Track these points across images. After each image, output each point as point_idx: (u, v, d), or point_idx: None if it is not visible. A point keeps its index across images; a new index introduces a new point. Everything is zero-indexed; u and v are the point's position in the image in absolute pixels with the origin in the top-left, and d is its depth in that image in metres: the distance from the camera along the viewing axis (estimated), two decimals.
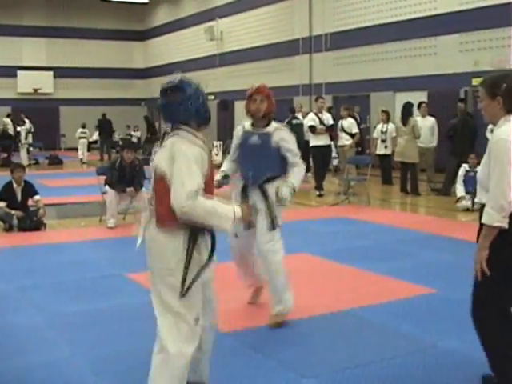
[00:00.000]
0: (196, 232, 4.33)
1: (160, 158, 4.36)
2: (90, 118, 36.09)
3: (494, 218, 4.42)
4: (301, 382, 5.35)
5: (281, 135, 6.63)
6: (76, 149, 35.26)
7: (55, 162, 30.10)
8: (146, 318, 6.93)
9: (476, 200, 5.06)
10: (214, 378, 5.24)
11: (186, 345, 4.35)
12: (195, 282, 4.33)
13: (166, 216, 4.28)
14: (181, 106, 4.39)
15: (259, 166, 6.68)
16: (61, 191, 18.41)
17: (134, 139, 34.07)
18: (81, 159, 30.81)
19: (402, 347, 6.10)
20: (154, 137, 35.26)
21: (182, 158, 4.23)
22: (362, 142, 19.81)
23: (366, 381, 5.31)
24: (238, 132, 6.96)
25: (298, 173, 6.64)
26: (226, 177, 6.90)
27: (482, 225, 4.56)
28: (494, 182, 4.45)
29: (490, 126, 16.90)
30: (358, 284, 8.48)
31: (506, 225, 4.42)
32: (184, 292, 4.29)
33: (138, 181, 12.92)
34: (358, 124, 20.20)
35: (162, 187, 4.30)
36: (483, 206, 4.56)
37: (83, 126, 32.87)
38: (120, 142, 31.79)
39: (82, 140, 31.87)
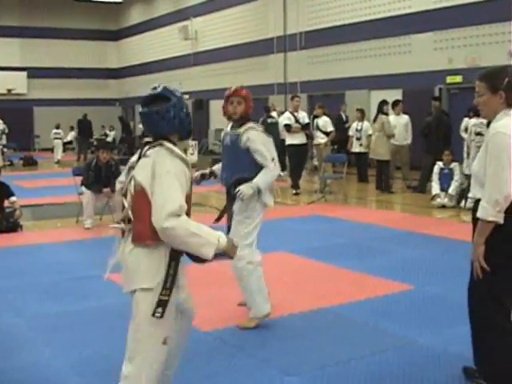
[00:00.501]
0: (177, 251, 4.03)
1: (141, 170, 4.07)
2: (64, 119, 36.05)
3: (488, 212, 4.38)
4: (283, 379, 5.36)
5: (248, 135, 6.51)
6: (51, 149, 35.14)
7: (30, 162, 29.87)
8: (126, 319, 6.93)
9: (469, 195, 5.05)
10: (196, 377, 5.29)
11: (157, 368, 4.13)
12: (169, 305, 4.05)
13: (145, 232, 3.98)
14: (164, 116, 4.13)
15: (229, 168, 6.69)
16: (36, 192, 18.32)
17: (109, 139, 33.93)
18: (58, 160, 30.70)
19: (381, 343, 6.13)
20: (129, 137, 35.23)
21: (165, 174, 3.95)
22: (346, 139, 19.84)
23: (347, 377, 5.32)
24: (221, 135, 7.00)
25: (263, 174, 6.47)
26: (203, 176, 6.87)
27: (477, 219, 4.52)
28: (490, 175, 4.41)
29: (463, 125, 17.17)
30: (337, 282, 8.49)
31: (501, 220, 4.39)
32: (159, 313, 4.01)
33: (115, 181, 12.75)
34: (344, 123, 20.26)
35: (142, 201, 4.00)
36: (478, 200, 4.54)
37: (57, 127, 32.74)
38: (95, 143, 31.72)
39: (56, 141, 31.75)
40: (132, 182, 4.11)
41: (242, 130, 6.58)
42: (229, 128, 6.84)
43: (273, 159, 6.54)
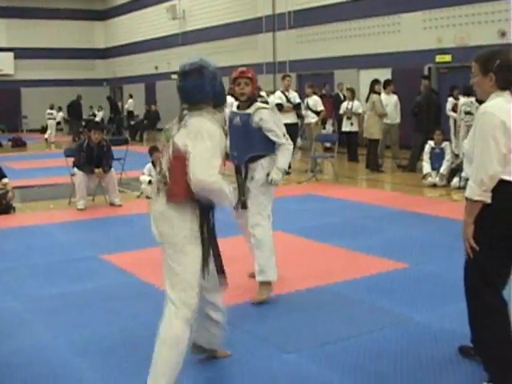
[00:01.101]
0: (204, 208, 4.56)
1: (182, 138, 4.51)
2: (52, 99, 35.88)
3: (474, 191, 4.41)
4: (282, 357, 5.41)
5: (260, 115, 6.70)
6: (39, 130, 35.09)
7: (18, 144, 29.82)
8: (124, 299, 7.04)
9: (463, 174, 5.07)
10: (194, 355, 5.30)
11: (189, 298, 4.55)
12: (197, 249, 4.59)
13: (180, 194, 4.49)
14: (200, 87, 4.57)
15: (241, 147, 6.87)
16: (27, 173, 18.28)
17: (98, 119, 33.85)
18: (46, 139, 30.62)
19: (379, 321, 6.20)
20: (117, 117, 35.13)
21: (207, 137, 4.41)
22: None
23: (345, 355, 5.38)
24: (226, 114, 7.07)
25: (283, 154, 6.77)
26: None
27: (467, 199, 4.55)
28: (477, 155, 4.44)
29: (449, 104, 17.26)
30: (332, 260, 8.54)
31: (487, 199, 4.40)
32: (207, 262, 4.62)
33: (107, 161, 12.86)
34: (342, 102, 20.19)
35: (179, 165, 4.46)
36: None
37: (51, 107, 32.79)
38: (83, 123, 31.72)
39: (49, 121, 31.79)
40: (171, 148, 4.58)
41: (251, 109, 6.77)
42: (235, 108, 7.00)
43: (284, 135, 6.79)
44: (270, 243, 6.81)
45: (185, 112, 4.67)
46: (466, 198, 4.51)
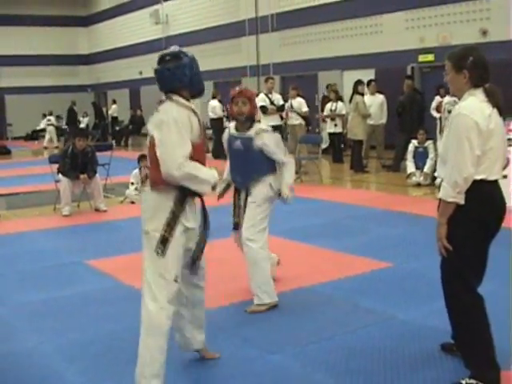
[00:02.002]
0: (184, 195, 4.67)
1: (153, 125, 4.67)
2: (37, 107, 35.86)
3: (448, 193, 4.43)
4: (265, 358, 5.44)
5: (262, 139, 6.65)
6: (23, 137, 35.09)
7: (3, 151, 29.75)
8: (110, 303, 7.08)
9: (436, 174, 5.11)
10: (178, 356, 5.36)
11: (164, 302, 4.64)
12: (171, 243, 4.63)
13: (158, 179, 4.61)
14: (178, 72, 4.69)
15: (245, 171, 6.82)
16: (11, 181, 18.30)
17: (83, 125, 33.85)
18: (45, 147, 30.66)
19: (362, 320, 6.25)
20: (102, 123, 35.08)
21: (171, 124, 4.54)
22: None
23: (329, 354, 5.43)
24: (225, 136, 7.09)
25: (287, 170, 6.77)
26: (228, 186, 7.18)
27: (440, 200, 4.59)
28: (451, 157, 4.46)
29: (434, 103, 17.32)
30: (316, 261, 8.58)
31: (461, 201, 4.43)
32: (160, 250, 4.61)
33: (91, 167, 12.89)
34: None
35: (153, 153, 4.63)
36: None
37: (50, 113, 33.26)
38: (68, 130, 31.78)
39: (49, 128, 32.09)
40: (148, 137, 4.77)
41: (253, 132, 6.69)
42: (233, 129, 6.92)
43: (285, 153, 6.84)
44: (263, 263, 6.71)
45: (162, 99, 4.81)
46: (440, 199, 4.55)
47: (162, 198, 4.66)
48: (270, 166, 6.76)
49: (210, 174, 4.72)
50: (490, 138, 4.46)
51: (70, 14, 44.06)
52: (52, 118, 33.47)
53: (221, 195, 7.08)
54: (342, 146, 20.09)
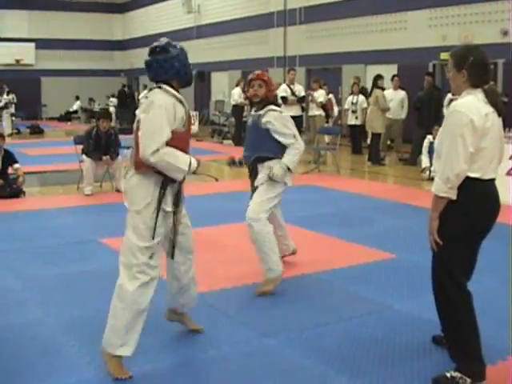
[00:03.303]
0: (166, 179, 4.85)
1: (141, 110, 4.83)
2: (71, 89, 36.43)
3: (440, 188, 4.47)
4: (261, 341, 5.59)
5: (269, 117, 6.85)
6: (57, 118, 35.63)
7: (36, 131, 30.15)
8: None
9: (432, 169, 5.22)
10: (176, 336, 5.61)
11: (136, 280, 4.86)
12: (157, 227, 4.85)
13: (140, 162, 4.77)
14: (165, 64, 4.87)
15: (251, 146, 7.10)
16: (41, 160, 18.45)
17: (112, 107, 34.27)
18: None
19: (359, 309, 6.38)
20: (132, 106, 35.54)
21: (156, 109, 4.72)
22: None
23: (322, 340, 5.57)
24: (247, 115, 7.42)
25: (289, 153, 6.84)
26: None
27: None
28: (444, 153, 4.47)
29: (447, 100, 17.50)
30: (322, 249, 8.70)
31: (453, 196, 4.47)
32: (153, 236, 4.82)
33: (114, 149, 13.14)
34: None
35: (138, 136, 4.81)
36: None
37: (113, 95, 35.13)
38: (118, 113, 32.72)
39: (111, 108, 33.04)
40: (135, 121, 4.90)
41: (263, 111, 6.91)
42: (253, 111, 7.18)
43: (294, 136, 6.89)
44: (265, 241, 6.81)
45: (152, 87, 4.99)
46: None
47: (145, 182, 4.81)
48: (276, 147, 6.87)
49: (185, 162, 4.81)
50: (485, 137, 4.47)
51: (105, 1, 44.56)
52: (114, 100, 34.44)
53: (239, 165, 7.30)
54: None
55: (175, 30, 36.53)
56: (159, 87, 4.90)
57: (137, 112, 4.91)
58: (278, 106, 7.25)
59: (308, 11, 27.02)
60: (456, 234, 4.61)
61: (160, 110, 4.72)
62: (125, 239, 4.94)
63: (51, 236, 9.59)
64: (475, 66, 4.56)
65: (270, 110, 6.89)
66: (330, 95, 21.74)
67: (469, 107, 4.46)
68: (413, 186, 14.14)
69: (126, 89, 35.13)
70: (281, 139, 6.84)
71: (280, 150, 6.88)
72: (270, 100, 7.06)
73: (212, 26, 33.65)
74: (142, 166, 4.79)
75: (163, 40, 5.04)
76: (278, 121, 6.84)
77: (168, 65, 4.91)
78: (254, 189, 7.12)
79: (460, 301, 4.67)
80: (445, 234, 4.61)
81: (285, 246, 7.66)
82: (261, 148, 6.94)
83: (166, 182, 4.86)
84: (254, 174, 7.14)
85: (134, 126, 4.91)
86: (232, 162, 7.20)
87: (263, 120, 6.86)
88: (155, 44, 5.01)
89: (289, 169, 6.86)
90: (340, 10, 25.09)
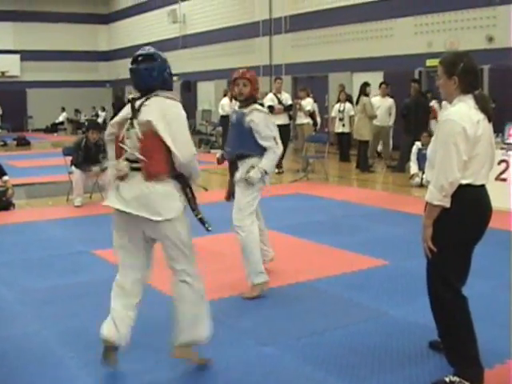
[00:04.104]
0: (184, 185, 4.93)
1: (150, 116, 4.75)
2: (57, 100, 36.38)
3: (434, 196, 4.47)
4: (259, 349, 5.59)
5: (252, 116, 6.92)
6: (43, 130, 35.59)
7: (23, 143, 30.06)
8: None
9: (424, 177, 5.23)
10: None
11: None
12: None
13: (159, 169, 4.78)
14: (151, 73, 4.89)
15: (233, 143, 7.16)
16: (29, 172, 18.26)
17: (100, 120, 34.21)
18: None
19: (355, 316, 6.40)
20: None
21: (181, 121, 4.83)
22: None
23: (320, 347, 5.58)
24: (231, 112, 7.49)
25: (267, 157, 6.92)
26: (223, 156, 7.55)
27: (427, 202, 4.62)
28: (438, 161, 4.47)
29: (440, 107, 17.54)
30: (314, 257, 8.70)
31: (447, 204, 4.48)
32: (209, 226, 5.07)
33: (104, 160, 12.77)
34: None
35: (154, 143, 4.75)
36: None
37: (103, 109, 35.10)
38: (86, 123, 32.22)
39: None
40: (135, 129, 4.81)
41: (247, 110, 6.96)
42: (237, 107, 7.25)
43: (274, 138, 6.94)
44: (252, 247, 6.92)
45: (137, 97, 4.98)
46: (426, 202, 4.60)
47: (168, 189, 4.81)
48: (257, 146, 6.94)
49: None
50: (477, 144, 4.49)
51: (91, 12, 44.59)
52: (103, 114, 35.05)
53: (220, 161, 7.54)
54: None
55: (161, 40, 36.57)
56: (157, 95, 4.92)
57: (148, 118, 4.77)
58: (262, 105, 7.31)
59: (293, 20, 27.15)
60: (449, 241, 4.62)
61: (185, 119, 4.87)
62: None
63: (43, 248, 9.56)
64: (466, 72, 4.58)
65: (254, 110, 6.96)
66: (314, 104, 21.79)
67: (461, 116, 4.47)
68: (401, 193, 14.20)
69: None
70: (259, 140, 6.91)
71: (261, 148, 6.95)
72: (255, 98, 7.13)
73: (197, 36, 33.71)
74: (160, 173, 4.79)
75: (149, 48, 5.09)
76: (262, 121, 6.91)
77: (157, 72, 4.93)
78: (232, 184, 7.20)
79: (456, 306, 4.70)
80: (438, 241, 4.62)
81: (264, 251, 7.55)
82: (242, 145, 7.01)
83: (186, 184, 4.97)
84: (233, 170, 7.19)
85: (138, 133, 4.79)
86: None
87: (247, 118, 6.92)
88: (141, 52, 5.03)
89: (266, 172, 6.96)
90: (325, 18, 25.20)
